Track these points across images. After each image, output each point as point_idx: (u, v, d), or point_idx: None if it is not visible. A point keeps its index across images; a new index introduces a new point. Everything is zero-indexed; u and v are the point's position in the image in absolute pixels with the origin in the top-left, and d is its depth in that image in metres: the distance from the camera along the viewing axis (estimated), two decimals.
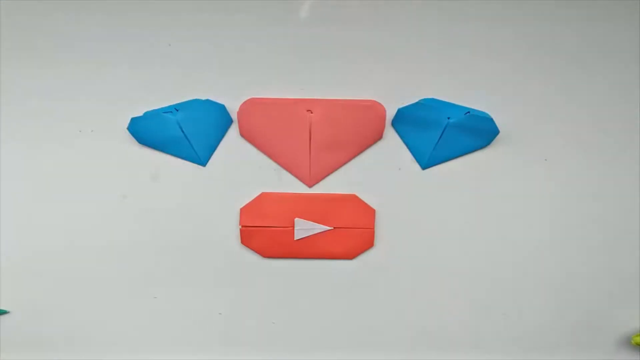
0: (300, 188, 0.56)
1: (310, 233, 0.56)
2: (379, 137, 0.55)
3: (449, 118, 0.53)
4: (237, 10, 0.53)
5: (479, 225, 0.57)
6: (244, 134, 0.55)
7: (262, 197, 0.56)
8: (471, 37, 0.54)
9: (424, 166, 0.56)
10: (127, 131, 0.54)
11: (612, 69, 0.54)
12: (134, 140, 0.55)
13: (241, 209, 0.56)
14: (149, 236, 0.57)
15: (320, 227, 0.56)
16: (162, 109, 0.54)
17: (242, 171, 0.56)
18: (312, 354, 0.60)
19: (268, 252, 0.57)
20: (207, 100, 0.54)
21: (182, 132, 0.55)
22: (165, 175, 0.56)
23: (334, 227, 0.56)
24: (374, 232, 0.57)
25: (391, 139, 0.56)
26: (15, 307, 0.58)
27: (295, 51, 0.54)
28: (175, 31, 0.54)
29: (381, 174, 0.56)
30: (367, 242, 0.57)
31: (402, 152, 0.56)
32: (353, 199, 0.56)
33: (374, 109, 0.54)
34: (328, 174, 0.56)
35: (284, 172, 0.56)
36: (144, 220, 0.56)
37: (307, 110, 0.54)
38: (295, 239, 0.56)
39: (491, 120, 0.53)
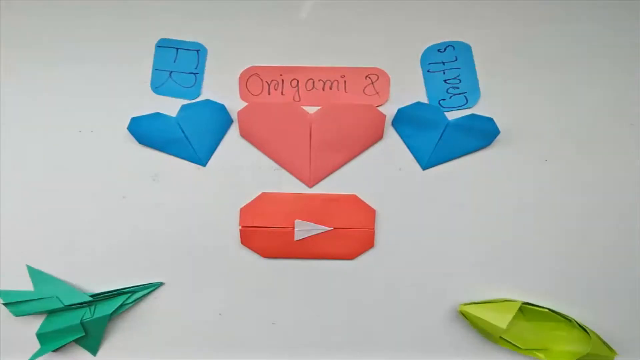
0: (300, 188, 0.56)
1: (310, 233, 0.56)
2: (379, 137, 0.55)
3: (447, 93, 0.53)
4: None
5: (479, 225, 0.57)
6: (244, 134, 0.55)
7: (262, 197, 0.56)
8: (471, 37, 0.54)
9: (425, 166, 0.56)
10: (127, 131, 0.54)
11: (612, 69, 0.54)
12: (134, 140, 0.55)
13: (241, 209, 0.56)
14: (148, 236, 0.57)
15: (320, 228, 0.56)
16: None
17: (242, 171, 0.56)
18: (312, 354, 0.60)
19: (268, 252, 0.57)
20: (207, 100, 0.54)
21: (182, 132, 0.55)
22: (165, 175, 0.56)
23: (334, 228, 0.56)
24: (374, 233, 0.57)
25: (391, 139, 0.56)
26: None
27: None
28: (175, 31, 0.54)
29: (381, 174, 0.56)
30: (367, 243, 0.57)
31: (403, 152, 0.56)
32: (353, 199, 0.56)
33: (374, 110, 0.54)
34: (328, 174, 0.56)
35: (284, 172, 0.56)
36: (144, 220, 0.56)
37: (309, 79, 0.53)
38: (295, 239, 0.56)
39: (492, 120, 0.53)
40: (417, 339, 0.59)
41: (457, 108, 0.54)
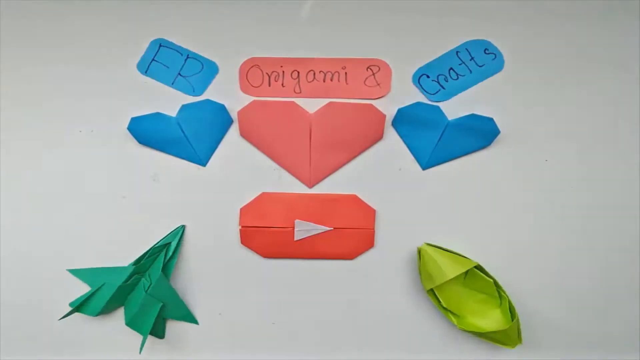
0: (300, 188, 0.56)
1: (310, 233, 0.56)
2: (379, 137, 0.55)
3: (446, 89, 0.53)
4: None
5: (479, 226, 0.57)
6: (244, 134, 0.55)
7: (262, 197, 0.56)
8: (470, 34, 0.54)
9: (425, 166, 0.56)
10: (127, 131, 0.54)
11: (612, 69, 0.54)
12: (134, 140, 0.55)
13: (241, 209, 0.56)
14: (148, 237, 0.57)
15: (320, 228, 0.56)
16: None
17: (242, 171, 0.56)
18: (312, 354, 0.60)
19: (268, 252, 0.57)
20: (207, 100, 0.54)
21: (182, 132, 0.55)
22: (165, 175, 0.56)
23: (334, 228, 0.56)
24: (374, 233, 0.57)
25: (391, 139, 0.56)
26: (8, 308, 0.58)
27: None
28: (174, 31, 0.54)
29: (381, 174, 0.56)
30: (367, 243, 0.57)
31: (403, 152, 0.56)
32: (353, 199, 0.56)
33: (374, 109, 0.54)
34: (328, 175, 0.56)
35: (284, 172, 0.56)
36: (144, 220, 0.56)
37: (309, 71, 0.53)
38: (295, 239, 0.56)
39: (492, 120, 0.53)
40: (416, 339, 0.59)
41: (423, 91, 0.54)
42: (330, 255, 0.57)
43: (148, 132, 0.54)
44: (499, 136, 0.54)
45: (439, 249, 0.55)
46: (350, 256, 0.57)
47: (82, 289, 0.57)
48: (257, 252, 0.57)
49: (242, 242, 0.57)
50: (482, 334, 0.55)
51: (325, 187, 0.56)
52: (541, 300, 0.58)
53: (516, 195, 0.56)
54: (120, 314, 0.58)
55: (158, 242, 0.56)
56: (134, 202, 0.56)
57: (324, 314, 0.59)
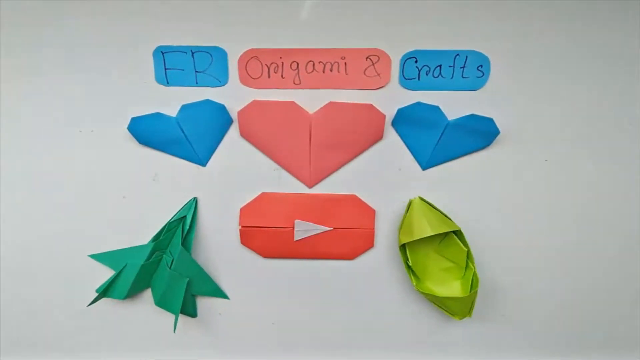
0: (300, 188, 0.56)
1: (310, 233, 0.56)
2: (379, 137, 0.55)
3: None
4: None
5: (478, 226, 0.57)
6: (244, 134, 0.55)
7: (262, 197, 0.56)
8: (470, 32, 0.54)
9: (424, 166, 0.56)
10: (127, 131, 0.54)
11: (612, 69, 0.54)
12: (134, 140, 0.55)
13: (241, 209, 0.56)
14: (149, 236, 0.57)
15: (320, 228, 0.56)
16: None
17: (242, 171, 0.56)
18: (312, 354, 0.60)
19: (268, 252, 0.57)
20: (207, 100, 0.54)
21: (182, 132, 0.55)
22: (165, 175, 0.56)
23: (334, 228, 0.56)
24: (374, 233, 0.57)
25: (391, 139, 0.56)
26: (9, 307, 0.58)
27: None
28: (173, 33, 0.54)
29: (381, 174, 0.56)
30: (367, 243, 0.57)
31: (403, 152, 0.56)
32: (353, 200, 0.56)
33: (374, 110, 0.54)
34: (328, 175, 0.56)
35: (284, 172, 0.56)
36: (144, 220, 0.56)
37: (309, 61, 0.52)
38: (295, 239, 0.56)
39: (491, 120, 0.53)
40: (416, 339, 0.59)
41: (400, 71, 0.53)
42: (330, 255, 0.57)
43: (148, 132, 0.54)
44: (499, 136, 0.54)
45: (430, 206, 0.55)
46: (350, 256, 0.57)
47: (81, 289, 0.57)
48: (257, 252, 0.57)
49: (242, 242, 0.57)
50: (436, 298, 0.55)
51: (325, 187, 0.56)
52: (541, 300, 0.58)
53: (516, 195, 0.56)
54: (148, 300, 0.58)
55: (173, 217, 0.55)
56: (134, 202, 0.56)
57: (324, 314, 0.59)
